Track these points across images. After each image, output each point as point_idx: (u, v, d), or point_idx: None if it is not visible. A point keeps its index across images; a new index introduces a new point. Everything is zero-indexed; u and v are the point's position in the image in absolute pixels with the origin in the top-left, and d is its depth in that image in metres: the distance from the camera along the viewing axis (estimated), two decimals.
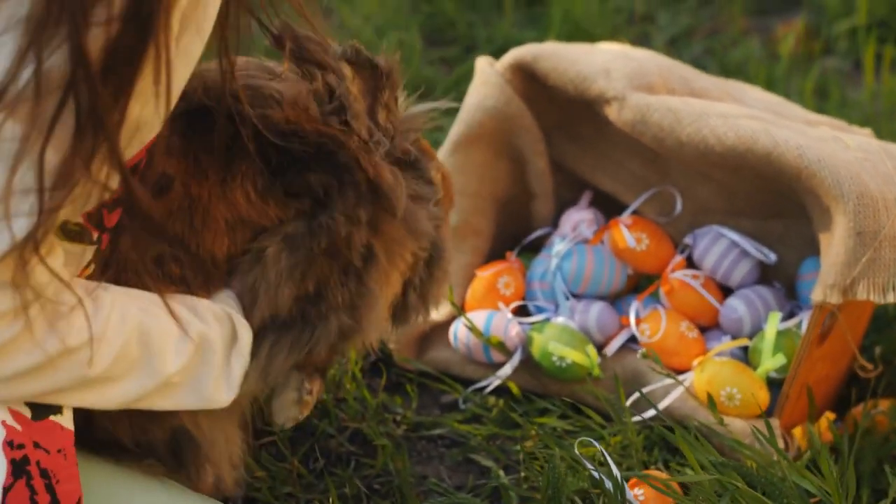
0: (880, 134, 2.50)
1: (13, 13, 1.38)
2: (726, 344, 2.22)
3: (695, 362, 2.19)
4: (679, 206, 2.36)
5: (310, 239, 1.72)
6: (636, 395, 2.14)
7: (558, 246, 2.36)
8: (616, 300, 2.38)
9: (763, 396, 2.12)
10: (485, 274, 2.38)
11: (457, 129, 2.42)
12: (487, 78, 2.42)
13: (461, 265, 2.41)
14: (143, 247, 1.68)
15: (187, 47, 1.51)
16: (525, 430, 2.19)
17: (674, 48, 3.45)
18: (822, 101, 3.17)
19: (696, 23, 3.64)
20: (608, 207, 2.44)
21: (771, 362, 2.15)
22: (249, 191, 1.72)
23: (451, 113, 3.02)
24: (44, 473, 1.54)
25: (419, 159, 1.86)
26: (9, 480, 1.51)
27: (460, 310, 2.31)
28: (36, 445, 1.54)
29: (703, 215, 2.35)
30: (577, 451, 2.00)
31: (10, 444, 1.52)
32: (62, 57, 1.38)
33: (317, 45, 1.78)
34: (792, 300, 2.30)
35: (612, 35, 3.36)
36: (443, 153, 2.43)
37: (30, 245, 1.42)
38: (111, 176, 1.45)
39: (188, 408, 1.68)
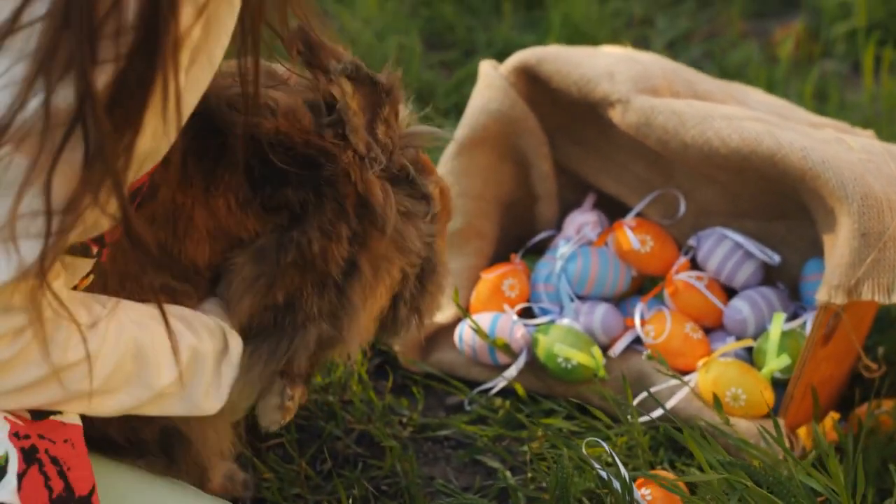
0: (881, 136, 2.51)
1: (21, 48, 1.39)
2: (731, 345, 2.24)
3: (699, 363, 2.20)
4: (683, 209, 2.37)
5: (277, 252, 1.72)
6: (643, 394, 2.15)
7: (563, 248, 2.37)
8: (620, 302, 2.39)
9: (768, 397, 2.13)
10: (489, 276, 2.39)
11: (461, 132, 2.43)
12: (491, 81, 2.42)
13: (466, 268, 2.42)
14: (142, 261, 1.69)
15: (197, 76, 1.52)
16: (531, 430, 2.20)
17: (672, 51, 3.46)
18: (821, 103, 3.17)
19: (695, 26, 3.65)
20: (612, 210, 2.45)
21: (775, 363, 2.16)
22: (231, 202, 1.72)
23: (453, 117, 3.05)
24: (54, 461, 1.56)
25: (415, 175, 1.86)
26: (22, 467, 1.53)
27: (465, 312, 2.32)
28: (41, 437, 1.57)
29: (707, 217, 2.36)
30: (584, 452, 2.01)
31: (16, 434, 1.54)
32: (69, 91, 1.39)
33: (328, 53, 1.78)
34: (795, 301, 2.31)
35: (611, 39, 3.37)
36: (447, 156, 2.44)
37: (38, 272, 1.43)
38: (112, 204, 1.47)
39: (178, 414, 1.71)
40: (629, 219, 2.38)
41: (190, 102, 1.54)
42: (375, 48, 3.28)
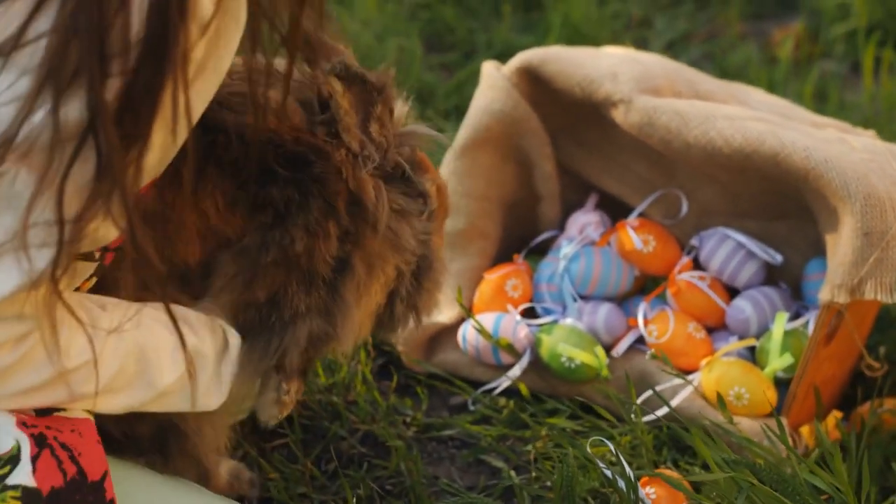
0: (881, 136, 2.51)
1: (27, 63, 1.39)
2: (734, 344, 2.24)
3: (702, 363, 2.21)
4: (685, 209, 2.38)
5: (258, 250, 1.73)
6: (648, 393, 2.15)
7: (566, 248, 2.38)
8: (623, 302, 2.39)
9: (771, 396, 2.14)
10: (492, 276, 2.39)
11: (464, 132, 2.44)
12: (494, 82, 2.43)
13: (469, 268, 2.43)
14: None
15: (203, 86, 1.52)
16: (535, 430, 2.20)
17: (671, 53, 3.46)
18: (821, 104, 3.18)
19: (693, 27, 3.65)
20: (614, 210, 2.46)
21: (778, 362, 2.17)
22: (218, 200, 1.72)
23: (453, 118, 3.06)
24: (64, 446, 1.58)
25: (411, 173, 1.86)
26: (35, 450, 1.55)
27: (469, 312, 2.33)
28: (48, 427, 1.58)
29: (709, 217, 2.37)
30: (588, 451, 2.02)
31: (24, 423, 1.56)
32: (78, 104, 1.39)
33: (328, 51, 1.78)
34: (797, 301, 2.32)
35: (610, 40, 3.37)
36: (450, 157, 2.44)
37: (50, 280, 1.45)
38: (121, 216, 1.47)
39: (178, 410, 1.72)
40: (632, 219, 2.39)
41: (197, 111, 1.54)
42: (375, 50, 3.29)
